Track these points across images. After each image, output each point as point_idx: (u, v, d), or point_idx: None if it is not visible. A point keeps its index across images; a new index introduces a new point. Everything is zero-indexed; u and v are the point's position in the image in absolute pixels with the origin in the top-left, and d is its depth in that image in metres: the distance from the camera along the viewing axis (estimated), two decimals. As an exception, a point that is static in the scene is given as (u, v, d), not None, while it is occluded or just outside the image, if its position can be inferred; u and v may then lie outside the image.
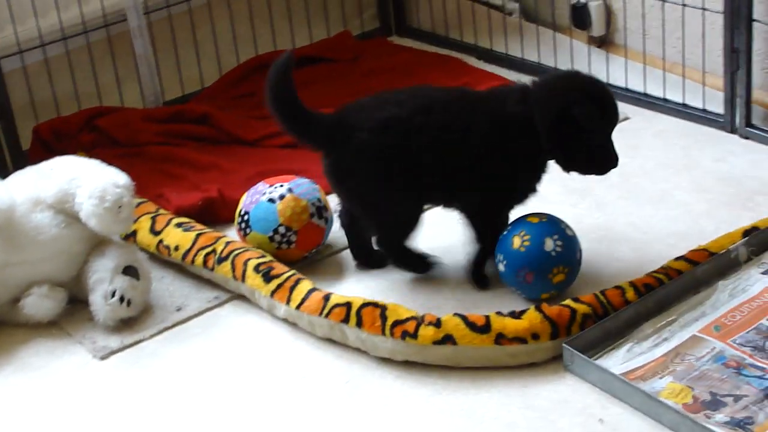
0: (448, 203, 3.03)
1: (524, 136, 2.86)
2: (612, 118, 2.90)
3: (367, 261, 3.14)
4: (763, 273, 2.87)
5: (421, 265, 3.06)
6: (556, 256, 2.84)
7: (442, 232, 3.13)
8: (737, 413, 2.44)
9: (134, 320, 2.99)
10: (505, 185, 2.95)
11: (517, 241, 2.86)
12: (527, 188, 2.97)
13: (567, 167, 2.93)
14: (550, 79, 2.96)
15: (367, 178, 2.93)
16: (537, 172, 2.96)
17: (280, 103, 2.90)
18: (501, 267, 2.91)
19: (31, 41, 3.89)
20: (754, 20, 3.44)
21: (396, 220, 2.99)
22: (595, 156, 2.90)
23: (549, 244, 2.84)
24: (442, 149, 2.88)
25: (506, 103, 2.90)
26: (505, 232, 2.91)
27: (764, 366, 2.57)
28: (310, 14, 4.44)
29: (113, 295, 2.94)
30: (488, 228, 2.98)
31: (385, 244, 3.06)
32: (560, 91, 2.88)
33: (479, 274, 3.01)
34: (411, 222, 2.99)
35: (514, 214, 2.98)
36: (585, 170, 2.94)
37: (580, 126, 2.82)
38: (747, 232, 2.98)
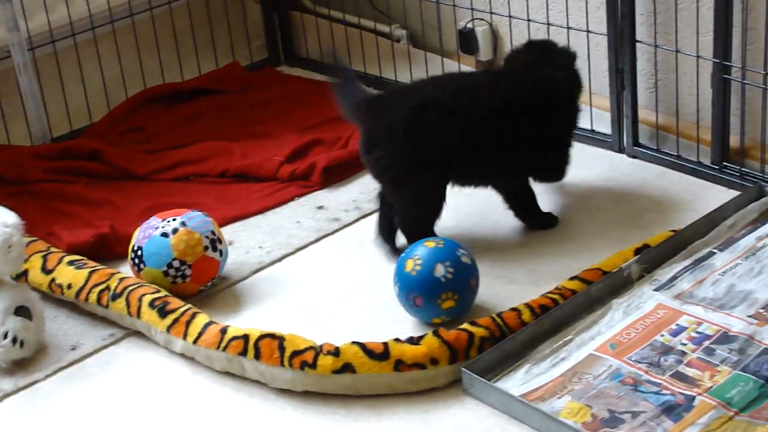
0: (488, 180, 3.22)
1: (570, 98, 3.27)
2: None
3: (389, 241, 3.23)
4: (656, 290, 2.91)
5: None
6: (446, 282, 2.84)
7: (346, 258, 3.13)
8: (636, 430, 2.47)
9: (28, 361, 2.94)
10: (561, 146, 3.27)
11: (409, 264, 2.87)
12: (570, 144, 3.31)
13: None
14: (549, 45, 3.38)
15: (402, 153, 3.04)
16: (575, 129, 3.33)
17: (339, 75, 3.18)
18: (395, 288, 2.91)
19: None
20: (638, 41, 3.50)
21: (423, 200, 3.10)
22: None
23: (439, 270, 2.84)
24: (497, 123, 3.07)
25: (545, 72, 3.21)
26: (402, 254, 2.92)
27: (660, 381, 2.60)
28: (198, 46, 4.42)
29: (5, 336, 2.88)
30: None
31: (409, 224, 3.12)
32: (570, 52, 3.35)
33: (539, 217, 3.27)
34: (438, 203, 3.11)
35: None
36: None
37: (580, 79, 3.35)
38: (638, 250, 3.02)
